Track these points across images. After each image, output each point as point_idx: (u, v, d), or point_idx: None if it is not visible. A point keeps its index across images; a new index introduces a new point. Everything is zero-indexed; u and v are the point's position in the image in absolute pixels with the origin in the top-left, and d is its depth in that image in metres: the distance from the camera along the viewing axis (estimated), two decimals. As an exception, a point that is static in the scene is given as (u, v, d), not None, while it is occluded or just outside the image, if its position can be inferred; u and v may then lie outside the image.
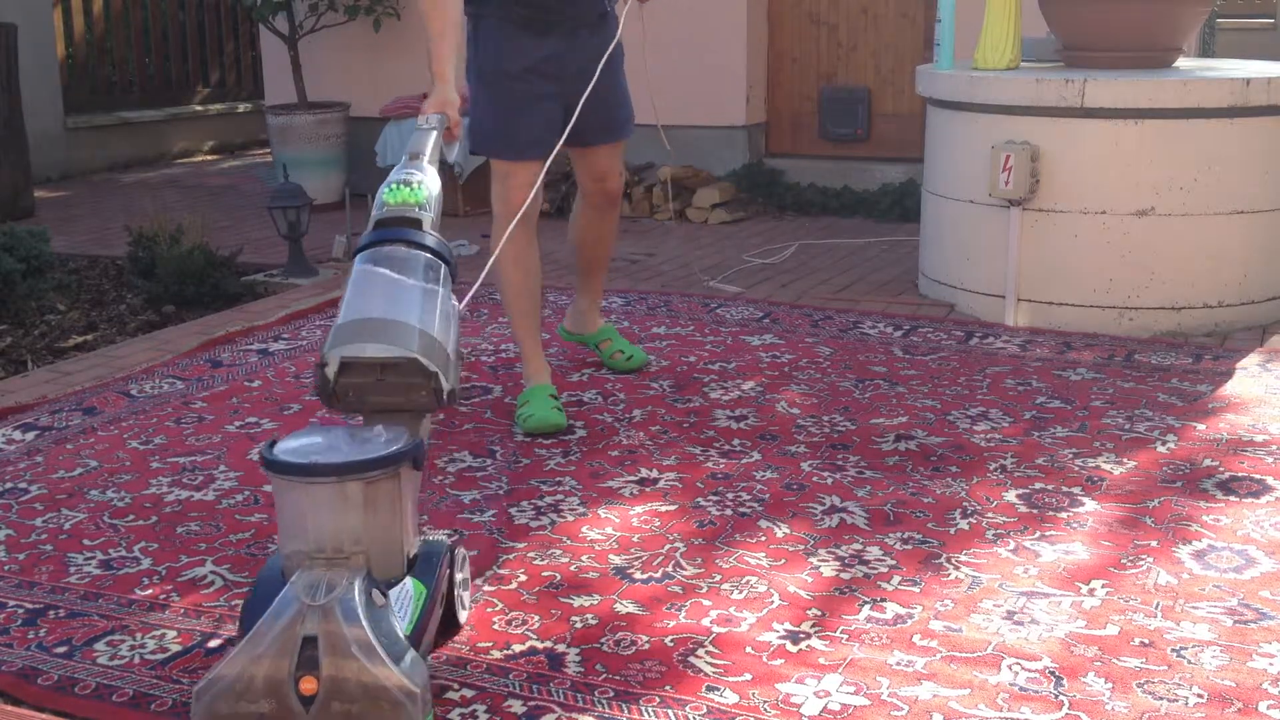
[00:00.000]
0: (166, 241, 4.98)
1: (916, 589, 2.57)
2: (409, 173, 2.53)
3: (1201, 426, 3.45)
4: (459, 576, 2.43)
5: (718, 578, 2.62)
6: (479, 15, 3.46)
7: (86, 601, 2.56)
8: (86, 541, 2.83)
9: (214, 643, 2.39)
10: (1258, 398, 3.68)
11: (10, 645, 2.39)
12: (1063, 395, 3.72)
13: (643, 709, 2.16)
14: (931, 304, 4.76)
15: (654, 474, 3.18)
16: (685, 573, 2.65)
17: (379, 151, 6.61)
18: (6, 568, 2.71)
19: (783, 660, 2.30)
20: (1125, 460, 3.23)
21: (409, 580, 2.23)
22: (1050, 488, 3.06)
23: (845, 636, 2.39)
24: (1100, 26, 4.64)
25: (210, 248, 5.04)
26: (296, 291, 5.06)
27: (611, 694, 2.21)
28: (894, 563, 2.68)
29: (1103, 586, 2.57)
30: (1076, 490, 3.05)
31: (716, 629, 2.42)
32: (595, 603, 2.53)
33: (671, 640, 2.38)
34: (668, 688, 2.22)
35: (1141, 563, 2.67)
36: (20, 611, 2.52)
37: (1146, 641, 2.36)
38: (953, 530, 2.84)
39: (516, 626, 2.44)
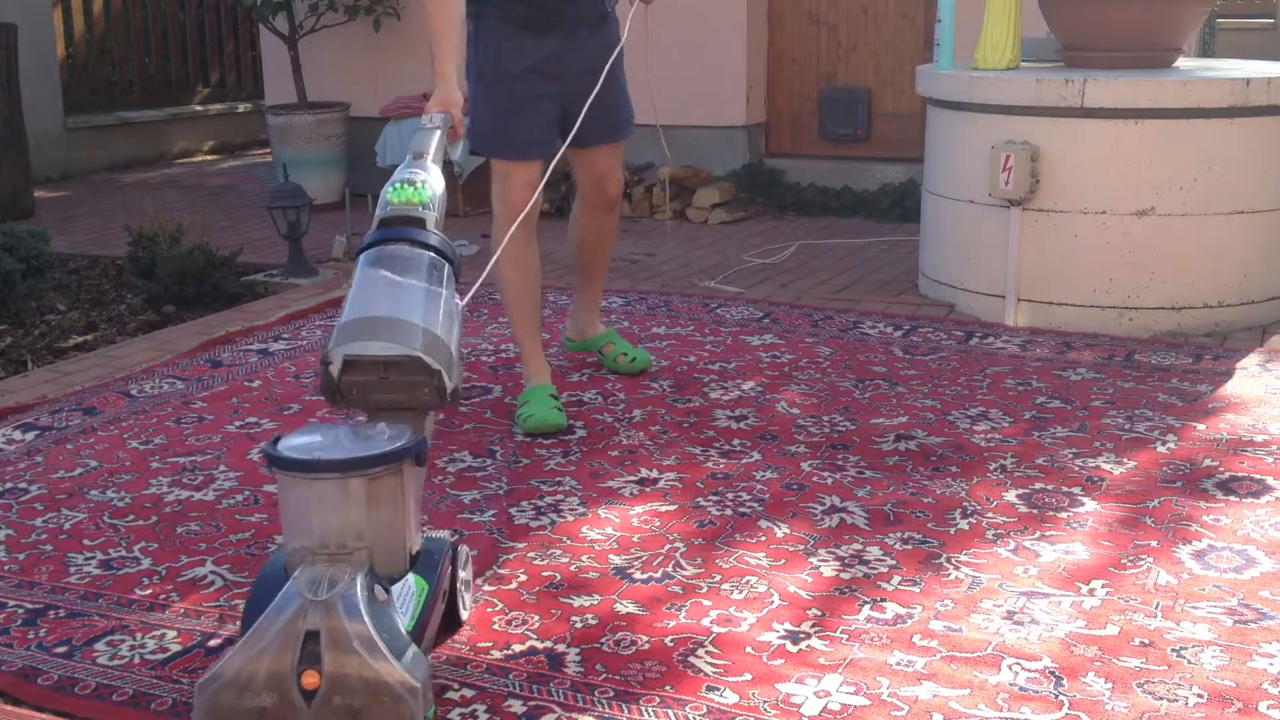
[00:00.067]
0: (166, 241, 4.98)
1: (916, 589, 2.57)
2: (413, 172, 2.54)
3: (1201, 426, 3.46)
4: (462, 574, 2.44)
5: (718, 578, 2.62)
6: (479, 15, 3.46)
7: (86, 601, 2.56)
8: (86, 541, 2.83)
9: (214, 643, 2.39)
10: (1258, 398, 3.68)
11: (10, 645, 2.40)
12: (1063, 395, 3.72)
13: (643, 709, 2.16)
14: (931, 304, 4.76)
15: (654, 474, 3.18)
16: (685, 573, 2.65)
17: (379, 151, 6.61)
18: (6, 568, 2.71)
19: (783, 660, 2.30)
20: (1125, 460, 3.23)
21: (411, 576, 2.24)
22: (1050, 488, 3.06)
23: (845, 636, 2.39)
24: (1100, 26, 4.64)
25: (210, 248, 5.04)
26: (296, 291, 5.06)
27: (611, 694, 2.21)
28: (894, 563, 2.68)
29: (1103, 586, 2.57)
30: (1076, 490, 3.05)
31: (716, 629, 2.42)
32: (595, 603, 2.53)
33: (671, 640, 2.38)
34: (668, 688, 2.22)
35: (1141, 563, 2.67)
36: (20, 611, 2.52)
37: (1146, 641, 2.36)
38: (953, 530, 2.84)
39: (516, 626, 2.44)
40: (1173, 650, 2.33)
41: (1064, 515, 2.91)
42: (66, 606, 2.54)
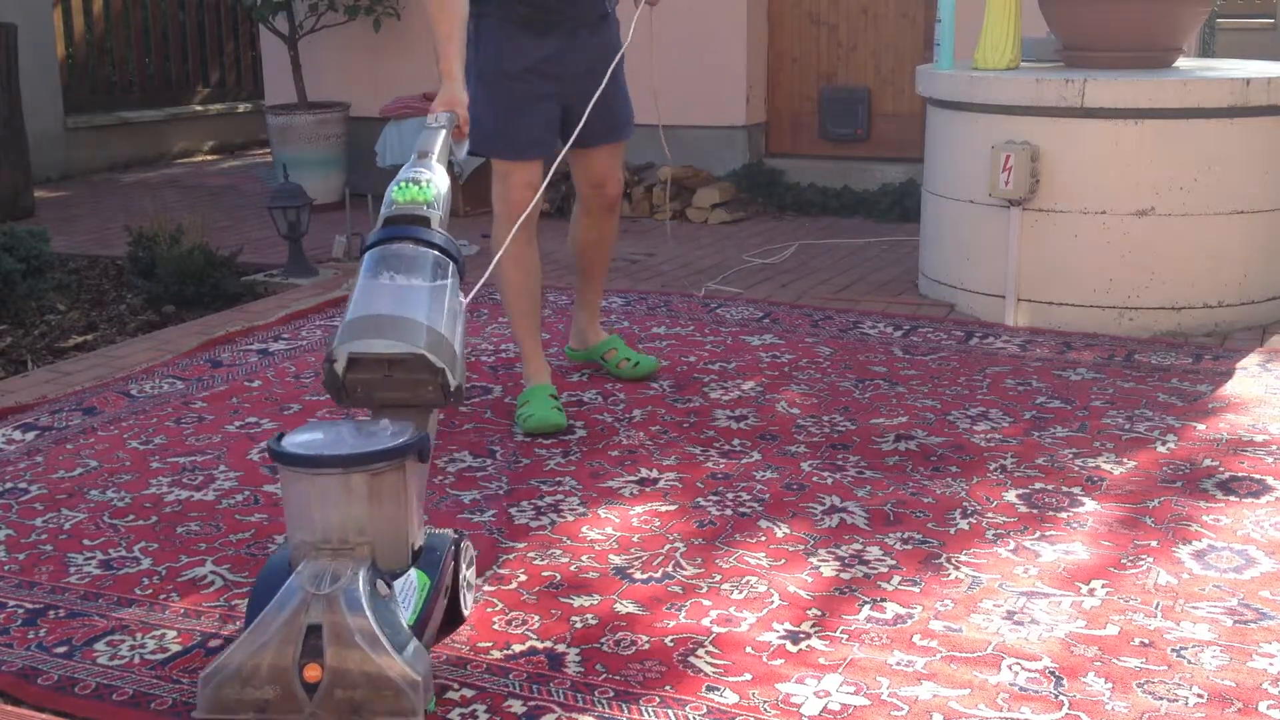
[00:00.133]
0: (166, 241, 4.98)
1: (916, 589, 2.57)
2: (418, 171, 2.55)
3: (1201, 426, 3.46)
4: (465, 571, 2.45)
5: (718, 578, 2.62)
6: (480, 15, 3.46)
7: (86, 601, 2.56)
8: (86, 541, 2.83)
9: (214, 643, 2.39)
10: (1258, 398, 3.68)
11: (10, 645, 2.40)
12: (1063, 395, 3.72)
13: (643, 709, 2.16)
14: (931, 304, 4.76)
15: (654, 474, 3.18)
16: (685, 573, 2.65)
17: (379, 151, 6.61)
18: (6, 568, 2.71)
19: (783, 660, 2.31)
20: (1125, 460, 3.23)
21: (413, 571, 2.26)
22: (1050, 488, 3.06)
23: (845, 636, 2.39)
24: (1100, 26, 4.64)
25: (210, 248, 5.04)
26: (296, 291, 5.06)
27: (611, 694, 2.21)
28: (894, 563, 2.68)
29: (1103, 586, 2.57)
30: (1076, 490, 3.05)
31: (716, 629, 2.42)
32: (595, 603, 2.53)
33: (671, 640, 2.38)
34: (668, 688, 2.22)
35: (1141, 563, 2.67)
36: (20, 611, 2.52)
37: (1146, 641, 2.36)
38: (953, 530, 2.84)
39: (516, 626, 2.44)
40: (1173, 650, 2.33)
41: (1064, 515, 2.91)
42: (66, 606, 2.54)
